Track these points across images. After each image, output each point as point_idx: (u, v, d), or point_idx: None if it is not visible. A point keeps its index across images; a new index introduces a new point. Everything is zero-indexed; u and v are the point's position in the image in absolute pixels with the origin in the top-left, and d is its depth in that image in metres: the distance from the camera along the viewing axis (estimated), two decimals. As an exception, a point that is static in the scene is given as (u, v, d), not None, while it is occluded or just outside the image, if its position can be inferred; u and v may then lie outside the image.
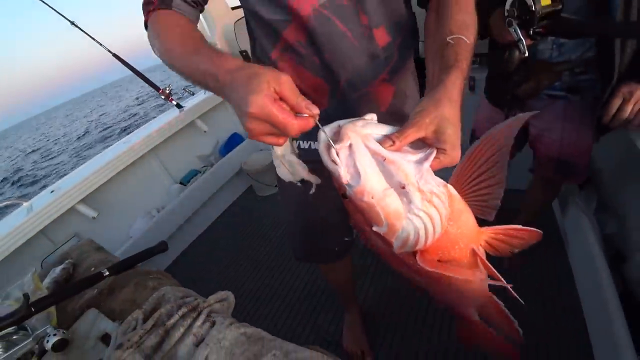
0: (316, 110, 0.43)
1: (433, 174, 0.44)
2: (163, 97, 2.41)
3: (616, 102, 0.88)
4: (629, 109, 0.87)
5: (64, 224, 1.98)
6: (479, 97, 1.41)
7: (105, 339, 0.84)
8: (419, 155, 0.43)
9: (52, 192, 1.98)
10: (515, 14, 0.83)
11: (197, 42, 0.58)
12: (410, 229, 0.41)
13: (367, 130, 0.42)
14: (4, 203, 2.06)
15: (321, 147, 0.43)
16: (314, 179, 0.53)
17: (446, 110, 0.46)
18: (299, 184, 0.55)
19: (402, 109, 0.84)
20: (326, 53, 0.71)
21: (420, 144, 0.45)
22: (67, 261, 1.20)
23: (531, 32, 0.82)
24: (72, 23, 2.26)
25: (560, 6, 0.81)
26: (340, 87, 0.76)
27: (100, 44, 2.31)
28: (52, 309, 0.96)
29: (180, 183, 2.46)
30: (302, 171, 0.53)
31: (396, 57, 0.78)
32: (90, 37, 2.29)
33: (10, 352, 0.83)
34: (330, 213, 0.95)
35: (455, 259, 0.47)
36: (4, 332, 0.85)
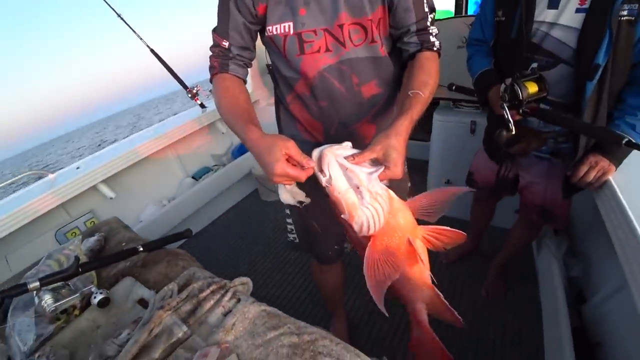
0: (313, 163, 0.67)
1: (379, 181, 0.65)
2: (190, 95, 2.59)
3: (583, 168, 1.07)
4: (592, 175, 1.06)
5: (83, 199, 2.13)
6: (478, 138, 1.60)
7: (142, 302, 1.00)
8: (372, 169, 0.65)
9: (77, 168, 2.13)
10: (507, 98, 1.03)
11: (239, 112, 0.83)
12: (363, 216, 0.63)
13: (339, 152, 0.66)
14: (31, 172, 2.20)
15: (313, 155, 0.67)
16: (307, 200, 0.76)
17: (392, 141, 0.67)
18: (298, 204, 0.77)
19: None
20: (324, 102, 0.96)
21: (377, 162, 0.67)
22: (99, 234, 1.36)
23: (520, 111, 1.02)
24: (119, 15, 2.45)
25: (545, 94, 1.01)
26: (334, 127, 1.01)
27: (141, 38, 2.49)
28: (93, 272, 1.12)
29: (192, 177, 2.62)
30: (300, 196, 0.76)
31: (381, 105, 1.01)
32: (133, 30, 2.47)
33: (59, 302, 0.98)
34: (324, 221, 1.15)
35: (397, 246, 0.67)
36: (53, 285, 1.00)
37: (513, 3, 1.09)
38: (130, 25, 2.46)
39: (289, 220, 1.40)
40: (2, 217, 1.80)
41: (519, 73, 1.01)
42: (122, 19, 2.46)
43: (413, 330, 0.83)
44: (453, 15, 3.25)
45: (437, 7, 2.74)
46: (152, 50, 2.53)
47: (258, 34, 0.94)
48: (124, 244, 1.31)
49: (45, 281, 0.97)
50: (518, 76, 1.01)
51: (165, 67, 2.55)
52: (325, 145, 0.67)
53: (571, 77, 1.04)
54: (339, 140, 0.83)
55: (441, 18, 3.23)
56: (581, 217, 1.71)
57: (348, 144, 0.69)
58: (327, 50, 0.88)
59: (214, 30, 0.92)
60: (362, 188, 0.62)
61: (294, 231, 1.32)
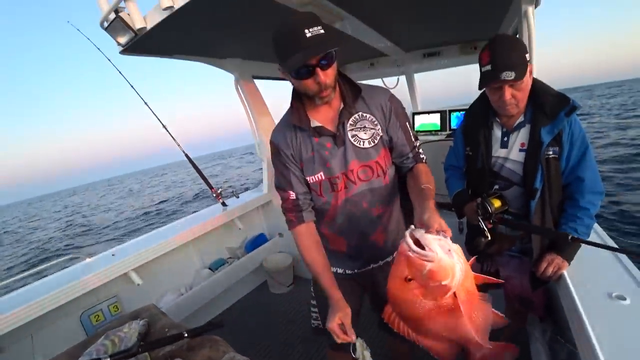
0: (352, 335, 1.12)
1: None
2: (214, 195, 2.99)
3: (542, 265, 1.38)
4: (550, 270, 1.36)
5: (112, 284, 2.33)
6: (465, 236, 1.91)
7: (192, 380, 1.21)
8: (441, 235, 0.85)
9: (113, 255, 2.39)
10: (480, 212, 1.40)
11: (320, 265, 1.24)
12: (457, 269, 0.82)
13: (425, 233, 0.85)
14: (69, 256, 2.45)
15: (410, 245, 0.82)
16: None
17: (438, 217, 0.92)
18: None
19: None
20: (345, 223, 1.31)
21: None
22: (143, 319, 1.59)
23: (492, 221, 1.39)
24: (164, 126, 2.95)
25: (507, 207, 1.40)
26: (354, 239, 1.34)
27: (179, 145, 2.98)
28: (147, 352, 1.34)
29: (209, 268, 2.87)
30: None
31: (385, 218, 1.35)
32: (175, 140, 2.96)
33: (124, 377, 1.19)
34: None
35: (469, 288, 0.89)
36: (119, 362, 1.23)
37: (476, 143, 1.51)
38: (174, 136, 2.96)
39: (314, 310, 1.59)
40: (39, 299, 2.00)
41: (486, 193, 1.42)
42: (167, 130, 2.97)
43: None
44: (439, 127, 3.89)
45: (427, 120, 3.36)
46: (187, 156, 2.99)
47: None
48: (166, 329, 1.53)
49: (115, 358, 1.19)
50: (485, 196, 1.41)
51: (197, 171, 2.99)
52: (415, 231, 0.86)
53: (523, 196, 1.43)
54: (359, 250, 1.27)
55: (430, 130, 3.84)
56: (560, 304, 1.93)
57: (412, 227, 0.88)
58: (345, 187, 1.24)
59: (279, 188, 1.30)
60: (452, 251, 0.82)
61: (319, 318, 1.57)
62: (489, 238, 1.42)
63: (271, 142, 1.27)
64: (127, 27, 1.81)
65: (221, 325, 1.55)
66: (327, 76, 1.04)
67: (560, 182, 1.38)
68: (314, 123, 1.19)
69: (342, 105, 1.19)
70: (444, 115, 3.83)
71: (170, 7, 1.62)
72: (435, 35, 3.05)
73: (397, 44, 3.13)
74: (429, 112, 3.94)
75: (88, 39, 2.78)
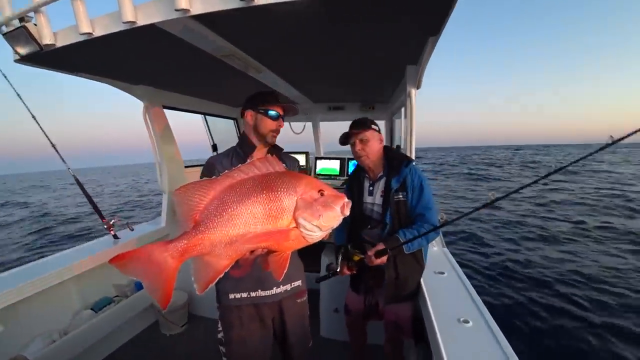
0: None
1: None
2: (105, 226, 2.72)
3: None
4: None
5: None
6: (346, 286, 2.15)
7: None
8: None
9: None
10: (344, 259, 1.81)
11: None
12: (320, 233, 1.02)
13: None
14: None
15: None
16: None
17: None
18: None
19: None
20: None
21: None
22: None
23: (349, 264, 1.77)
24: (53, 145, 2.58)
25: (363, 256, 1.74)
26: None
27: (69, 168, 2.68)
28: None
29: (92, 309, 2.53)
30: None
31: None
32: (62, 158, 2.63)
33: None
34: None
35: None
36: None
37: (353, 193, 1.96)
38: (61, 155, 2.63)
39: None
40: None
41: (344, 248, 1.85)
42: (54, 147, 2.61)
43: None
44: (338, 172, 4.27)
45: (328, 165, 3.74)
46: (77, 180, 2.70)
47: None
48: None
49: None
50: (346, 248, 1.84)
51: (87, 197, 2.71)
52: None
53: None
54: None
55: (329, 174, 4.18)
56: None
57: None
58: None
59: None
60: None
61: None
62: (338, 270, 1.82)
63: (207, 162, 1.60)
64: (31, 39, 1.67)
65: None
66: (281, 125, 1.59)
67: (407, 219, 1.80)
68: None
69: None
70: (343, 162, 4.25)
71: (89, 34, 1.56)
72: (341, 93, 3.47)
73: (307, 95, 3.44)
74: (330, 158, 4.31)
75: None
